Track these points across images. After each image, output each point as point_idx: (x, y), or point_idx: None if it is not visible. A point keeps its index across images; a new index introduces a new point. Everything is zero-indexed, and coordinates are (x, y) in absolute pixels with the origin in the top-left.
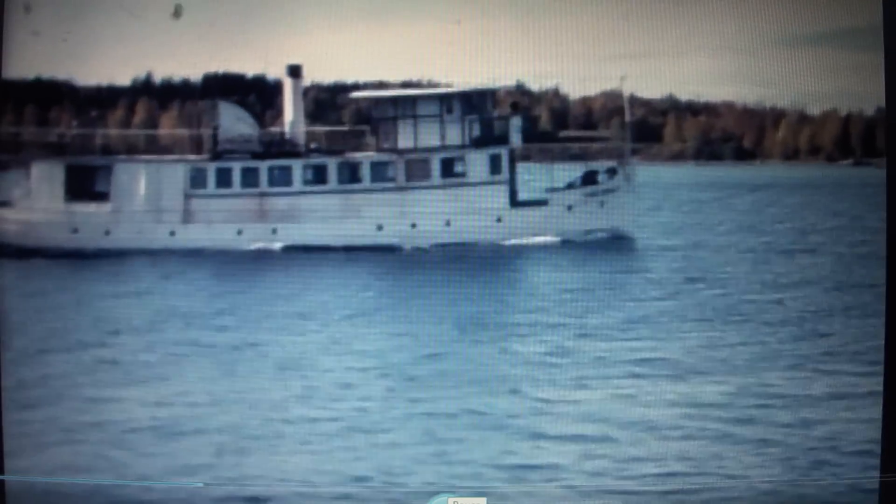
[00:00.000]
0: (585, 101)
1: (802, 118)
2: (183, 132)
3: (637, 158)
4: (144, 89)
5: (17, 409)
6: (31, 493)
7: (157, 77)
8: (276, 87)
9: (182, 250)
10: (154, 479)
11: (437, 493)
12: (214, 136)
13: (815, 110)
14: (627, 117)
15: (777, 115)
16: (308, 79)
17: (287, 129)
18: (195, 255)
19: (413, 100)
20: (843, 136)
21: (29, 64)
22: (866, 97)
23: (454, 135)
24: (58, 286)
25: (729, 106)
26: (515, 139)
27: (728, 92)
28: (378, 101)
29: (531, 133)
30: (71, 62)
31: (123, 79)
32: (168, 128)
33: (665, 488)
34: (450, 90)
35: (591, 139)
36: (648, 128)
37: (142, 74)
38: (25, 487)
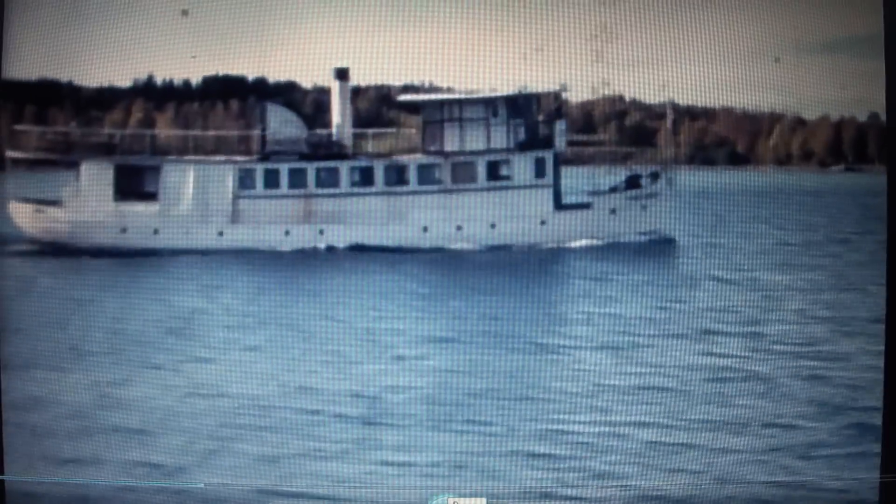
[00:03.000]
0: (631, 106)
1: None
2: (232, 133)
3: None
4: (193, 90)
5: (17, 409)
6: (31, 492)
7: (206, 78)
8: (324, 90)
9: (230, 250)
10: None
11: (437, 492)
12: (262, 138)
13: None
14: (669, 123)
15: (772, 122)
16: (355, 81)
17: (334, 130)
18: (242, 255)
19: (459, 103)
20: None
21: (82, 64)
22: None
23: (500, 138)
24: (105, 285)
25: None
26: (560, 143)
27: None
28: (425, 105)
29: (575, 137)
30: (117, 62)
31: (176, 79)
32: (217, 129)
33: (665, 490)
34: (496, 94)
35: (634, 144)
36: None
37: (191, 75)
38: (25, 487)
